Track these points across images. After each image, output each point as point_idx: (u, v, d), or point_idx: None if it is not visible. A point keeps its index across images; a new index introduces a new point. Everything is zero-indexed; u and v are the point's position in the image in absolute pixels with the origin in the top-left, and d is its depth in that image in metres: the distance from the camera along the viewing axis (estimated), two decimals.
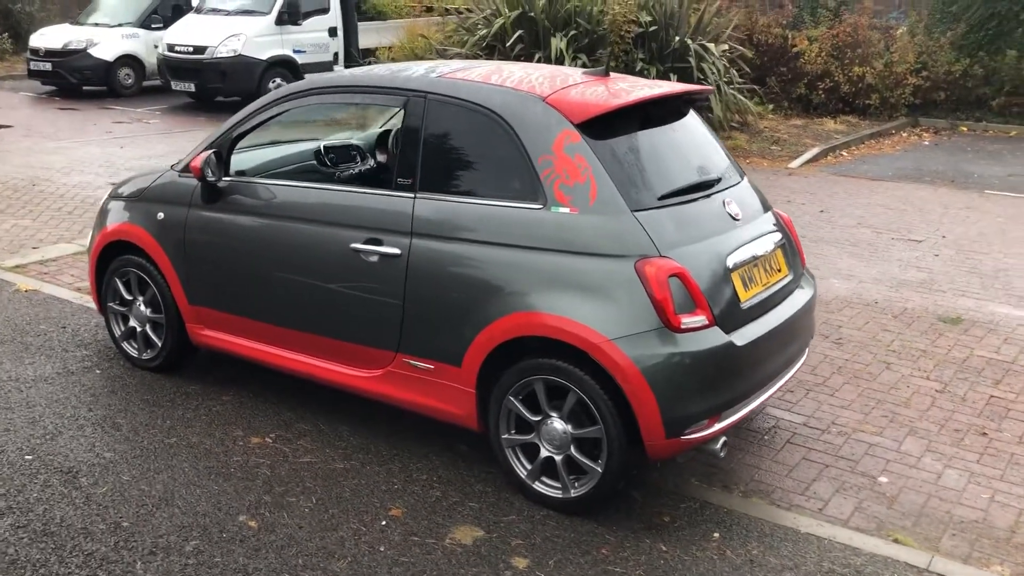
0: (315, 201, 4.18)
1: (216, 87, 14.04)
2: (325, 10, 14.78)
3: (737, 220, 3.88)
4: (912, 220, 8.60)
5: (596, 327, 3.42)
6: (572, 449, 3.62)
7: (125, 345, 5.00)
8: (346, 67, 15.26)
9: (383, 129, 5.34)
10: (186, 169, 4.59)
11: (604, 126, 3.69)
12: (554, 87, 3.85)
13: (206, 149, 4.48)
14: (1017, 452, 4.33)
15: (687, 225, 3.64)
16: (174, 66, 14.24)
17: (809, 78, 14.56)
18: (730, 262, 3.68)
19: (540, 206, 3.61)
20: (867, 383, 5.04)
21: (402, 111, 4.02)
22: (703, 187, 3.85)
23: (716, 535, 3.59)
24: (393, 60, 12.83)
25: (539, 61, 11.38)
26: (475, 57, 11.78)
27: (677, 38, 11.89)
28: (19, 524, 3.46)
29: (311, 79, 4.41)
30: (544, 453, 3.69)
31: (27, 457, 3.95)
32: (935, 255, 7.43)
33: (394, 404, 4.11)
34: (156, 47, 15.22)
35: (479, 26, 12.28)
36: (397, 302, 3.90)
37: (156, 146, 11.36)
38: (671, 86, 4.07)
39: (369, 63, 13.94)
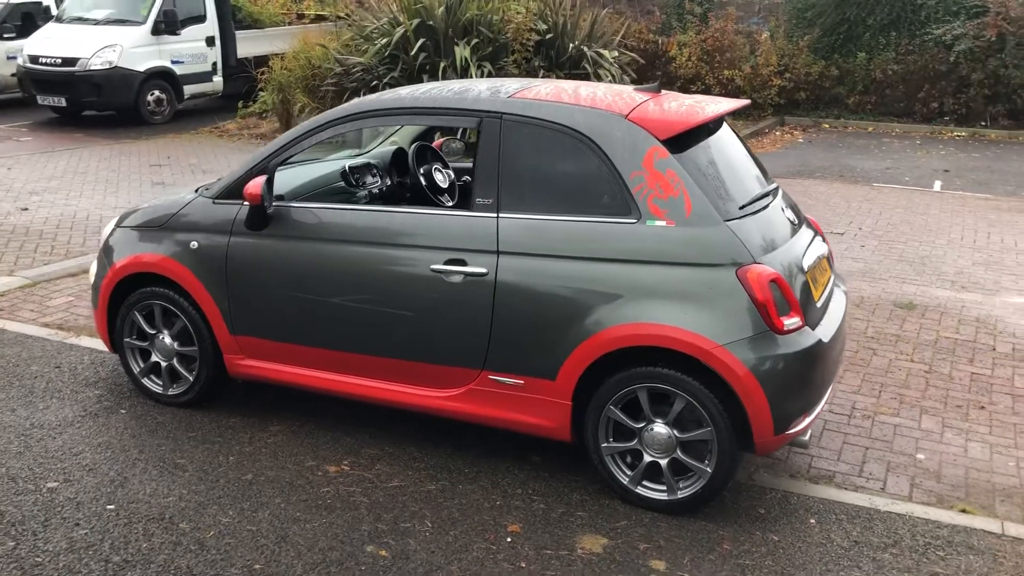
0: (384, 224, 4.15)
1: (90, 101, 13.28)
2: (201, 18, 14.25)
3: (795, 225, 4.15)
4: (824, 214, 9.24)
5: (707, 334, 3.60)
6: (678, 452, 3.79)
7: (146, 381, 4.78)
8: (225, 77, 14.77)
9: (395, 147, 5.33)
10: (225, 195, 4.44)
11: (681, 142, 3.88)
12: (630, 104, 4.00)
13: (250, 174, 4.34)
14: (1018, 422, 4.83)
15: (766, 232, 3.88)
16: (40, 79, 13.34)
17: (682, 81, 15.28)
18: (804, 264, 3.95)
19: (634, 220, 3.75)
20: (863, 369, 5.46)
21: (476, 131, 4.06)
22: (765, 196, 4.10)
23: (812, 521, 3.84)
24: (286, 69, 12.53)
25: (444, 70, 11.46)
26: (378, 66, 11.71)
27: (572, 45, 12.23)
28: None
29: (367, 101, 4.35)
30: (648, 458, 3.84)
31: (108, 507, 3.74)
32: (861, 246, 8.04)
33: (471, 421, 4.15)
34: (12, 58, 14.21)
35: (375, 35, 12.18)
36: (484, 320, 3.95)
37: (48, 166, 10.64)
38: (730, 102, 4.29)
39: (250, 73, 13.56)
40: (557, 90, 4.20)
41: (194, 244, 4.48)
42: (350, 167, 4.93)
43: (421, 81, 11.55)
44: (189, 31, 14.03)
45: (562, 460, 4.24)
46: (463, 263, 3.96)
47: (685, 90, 15.19)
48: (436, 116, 4.22)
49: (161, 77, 13.72)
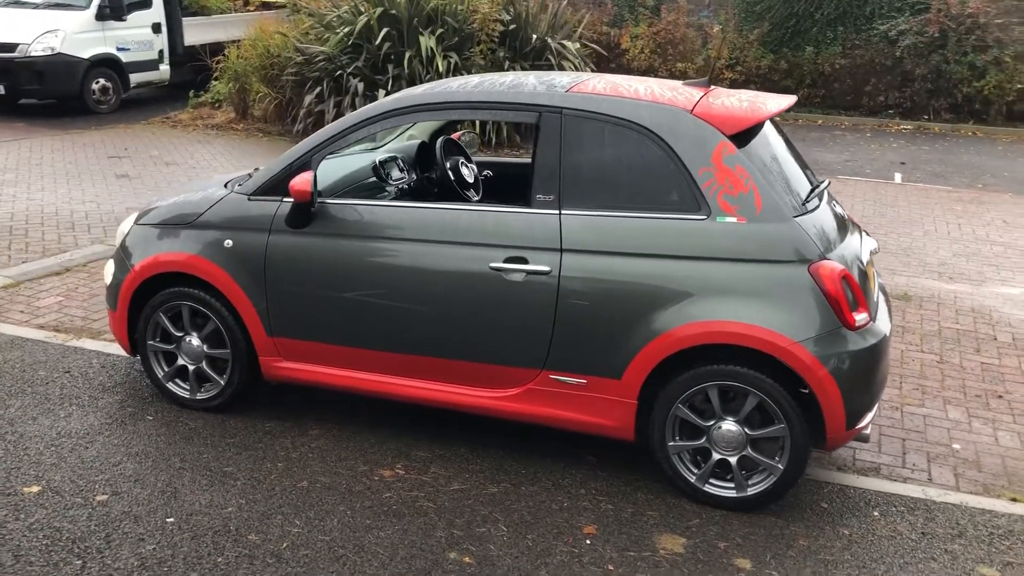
0: (439, 221, 4.03)
1: (31, 89, 12.66)
2: (147, 4, 13.73)
3: (843, 220, 4.18)
4: None
5: (783, 331, 3.60)
6: (748, 449, 3.79)
7: (171, 386, 4.57)
8: (172, 66, 14.29)
9: (418, 141, 5.20)
10: (262, 191, 4.27)
11: (741, 138, 3.86)
12: (691, 100, 3.96)
13: (290, 169, 4.18)
14: None
15: (827, 228, 3.89)
16: None
17: (635, 74, 15.36)
18: (863, 259, 3.99)
19: (704, 217, 3.73)
20: None
21: (535, 127, 3.98)
22: (817, 191, 4.11)
23: (876, 513, 3.89)
24: (241, 58, 12.17)
25: (409, 59, 11.29)
26: (340, 56, 11.46)
27: (535, 36, 12.17)
28: None
29: (416, 94, 4.20)
30: (716, 456, 3.83)
31: (168, 520, 3.56)
32: None
33: (528, 421, 4.08)
34: None
35: (336, 24, 11.92)
36: (546, 319, 3.88)
37: None
38: (783, 98, 4.28)
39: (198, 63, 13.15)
40: (612, 84, 4.14)
41: (228, 243, 4.30)
42: (381, 161, 4.79)
43: (386, 71, 11.38)
44: (135, 17, 13.50)
45: (616, 458, 4.21)
46: (524, 261, 3.88)
47: None
48: (492, 111, 4.11)
49: (106, 65, 13.17)
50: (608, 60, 15.38)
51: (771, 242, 3.68)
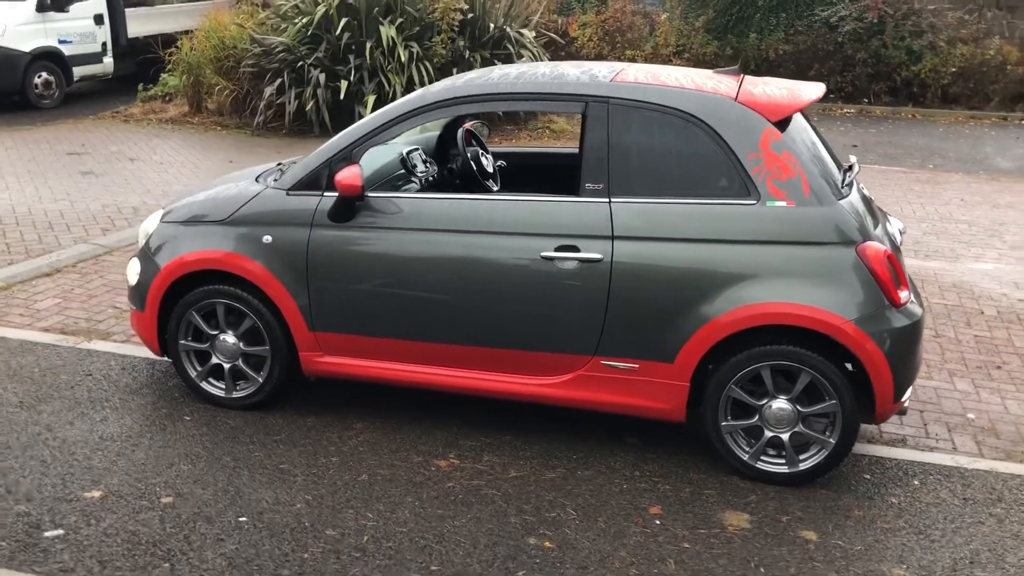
0: (487, 212, 4.06)
1: None
2: None
3: (872, 202, 4.35)
4: None
5: (836, 311, 3.74)
6: (799, 426, 3.92)
7: (205, 385, 4.51)
8: (115, 58, 13.89)
9: (436, 133, 5.21)
10: (301, 185, 4.24)
11: (783, 124, 3.98)
12: (732, 87, 4.06)
13: (330, 163, 4.16)
14: None
15: (865, 211, 4.04)
16: None
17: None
18: (897, 239, 4.15)
19: (754, 201, 3.84)
20: None
21: (582, 116, 4.04)
22: (849, 174, 4.26)
23: (916, 482, 4.07)
24: (195, 50, 11.90)
25: (369, 49, 11.20)
26: (299, 46, 11.30)
27: (493, 25, 12.19)
28: None
29: (458, 87, 4.20)
30: (769, 434, 3.95)
31: (241, 519, 3.54)
32: None
33: (577, 406, 4.15)
34: None
35: (292, 14, 11.75)
36: (598, 305, 3.95)
37: None
38: (817, 86, 4.39)
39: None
40: (652, 73, 4.21)
41: (267, 238, 4.25)
42: (407, 153, 4.79)
43: (347, 61, 11.27)
44: (76, 8, 13.09)
45: (658, 440, 4.31)
46: (575, 249, 3.94)
47: None
48: (537, 102, 4.15)
49: (48, 58, 12.75)
50: (560, 48, 15.45)
51: (819, 225, 3.81)
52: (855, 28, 14.96)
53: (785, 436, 3.94)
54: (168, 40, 12.76)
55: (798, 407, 3.90)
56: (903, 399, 3.94)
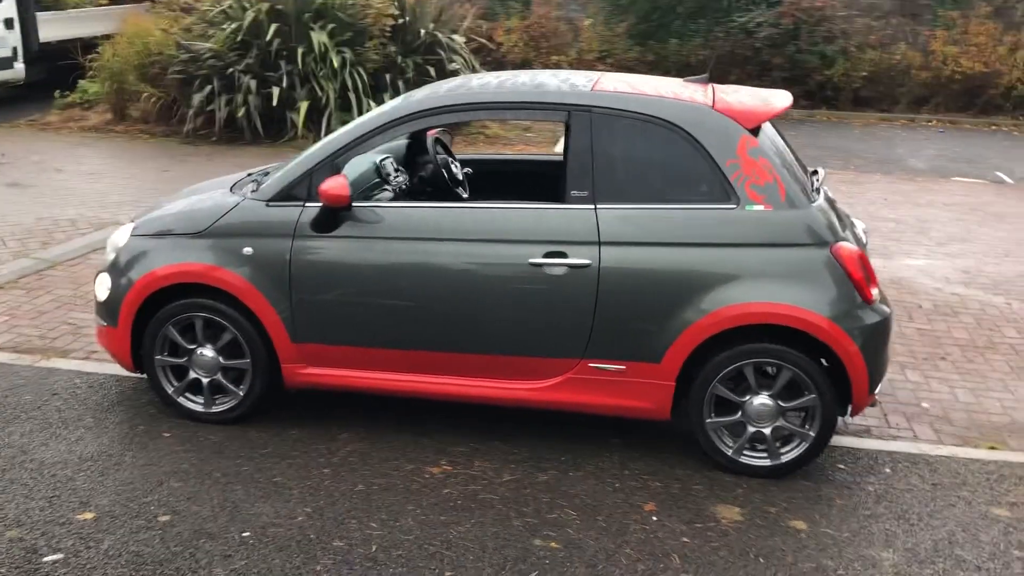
0: (475, 220, 4.12)
1: None
2: None
3: (837, 205, 4.54)
4: None
5: (816, 309, 3.91)
6: (781, 420, 4.07)
7: (183, 400, 4.44)
8: (26, 62, 13.38)
9: (405, 141, 5.22)
10: (281, 196, 4.21)
11: (755, 132, 4.14)
12: (708, 96, 4.20)
13: (310, 174, 4.15)
14: (976, 368, 5.52)
15: (834, 213, 4.23)
16: None
17: (511, 67, 15.62)
18: (863, 240, 4.35)
19: (733, 206, 3.98)
20: None
21: (565, 125, 4.12)
22: (815, 179, 4.44)
23: (888, 470, 4.27)
24: (117, 56, 11.57)
25: (301, 55, 11.07)
26: (229, 52, 11.11)
27: (423, 31, 12.19)
28: None
29: (440, 95, 4.23)
30: (751, 429, 4.09)
31: (244, 534, 3.50)
32: None
33: (564, 409, 4.23)
34: None
35: (219, 19, 11.53)
36: (587, 310, 4.03)
37: None
38: (785, 94, 4.56)
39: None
40: (628, 83, 4.32)
41: (247, 250, 4.21)
42: (381, 161, 4.79)
43: (278, 67, 11.12)
44: None
45: (639, 438, 4.42)
46: (563, 255, 4.02)
47: None
48: (520, 110, 4.23)
49: None
50: (488, 53, 15.52)
51: (796, 227, 3.97)
52: (771, 34, 15.44)
53: (767, 430, 4.09)
54: (89, 45, 12.37)
55: (779, 402, 4.05)
56: (876, 391, 4.14)
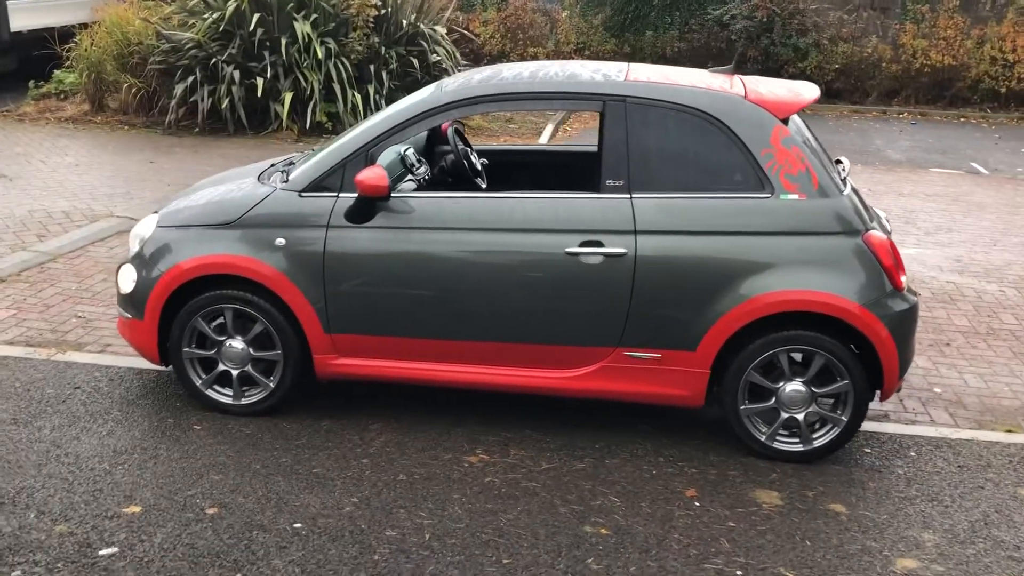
0: (510, 210, 4.13)
1: None
2: None
3: (861, 195, 4.62)
4: None
5: (850, 296, 3.98)
6: (813, 406, 4.14)
7: (211, 393, 4.40)
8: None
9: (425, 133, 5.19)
10: (314, 187, 4.18)
11: (786, 122, 4.19)
12: (739, 87, 4.25)
13: (344, 163, 4.13)
14: (980, 354, 5.65)
15: (862, 203, 4.30)
16: None
17: (489, 59, 15.61)
18: (888, 229, 4.43)
19: (768, 195, 4.03)
20: None
21: (600, 115, 4.14)
22: (841, 168, 4.51)
23: (913, 454, 4.36)
24: (95, 45, 11.35)
25: (285, 46, 10.96)
26: (211, 43, 10.96)
27: (406, 22, 12.13)
28: None
29: (474, 86, 4.22)
30: (784, 415, 4.16)
31: (296, 526, 3.49)
32: None
33: (599, 397, 4.27)
34: None
35: (200, 9, 11.37)
36: (622, 299, 4.07)
37: None
38: (812, 86, 4.62)
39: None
40: (661, 73, 4.36)
41: (280, 241, 4.18)
42: (405, 152, 4.78)
43: (261, 58, 10.98)
44: None
45: (669, 425, 4.47)
46: (599, 244, 4.04)
47: None
48: (555, 100, 4.25)
49: None
50: (467, 44, 15.48)
51: (828, 216, 4.04)
52: (746, 26, 15.60)
53: (800, 416, 4.16)
54: (67, 35, 12.11)
55: (812, 388, 4.12)
56: (904, 376, 4.23)
